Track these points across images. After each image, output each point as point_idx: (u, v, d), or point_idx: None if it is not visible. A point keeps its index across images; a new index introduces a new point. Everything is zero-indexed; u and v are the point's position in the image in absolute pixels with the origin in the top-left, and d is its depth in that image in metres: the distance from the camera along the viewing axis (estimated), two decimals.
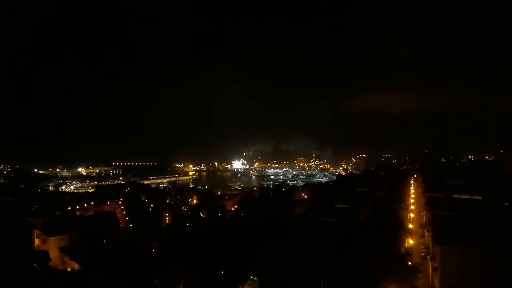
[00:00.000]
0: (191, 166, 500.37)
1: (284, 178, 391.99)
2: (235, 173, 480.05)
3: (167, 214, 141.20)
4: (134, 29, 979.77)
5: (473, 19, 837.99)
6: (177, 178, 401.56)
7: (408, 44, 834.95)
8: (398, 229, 73.04)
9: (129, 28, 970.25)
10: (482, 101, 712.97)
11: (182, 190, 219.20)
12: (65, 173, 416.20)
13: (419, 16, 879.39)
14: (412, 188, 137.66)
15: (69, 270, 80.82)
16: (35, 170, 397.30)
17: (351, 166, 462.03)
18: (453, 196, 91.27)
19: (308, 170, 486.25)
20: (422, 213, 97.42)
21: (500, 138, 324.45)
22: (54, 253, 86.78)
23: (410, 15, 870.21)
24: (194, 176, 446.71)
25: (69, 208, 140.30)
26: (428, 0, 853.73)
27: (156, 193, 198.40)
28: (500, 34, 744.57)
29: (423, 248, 76.00)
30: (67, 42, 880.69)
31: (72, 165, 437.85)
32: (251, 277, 68.99)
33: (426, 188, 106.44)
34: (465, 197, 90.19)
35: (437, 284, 55.62)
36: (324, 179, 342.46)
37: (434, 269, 58.80)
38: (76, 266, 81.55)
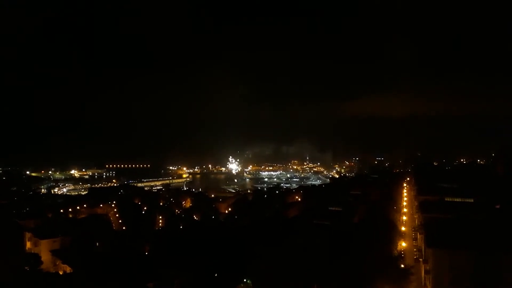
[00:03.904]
0: (184, 168, 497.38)
1: (278, 180, 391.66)
2: (229, 175, 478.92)
3: (160, 217, 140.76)
4: (128, 29, 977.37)
5: (468, 23, 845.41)
6: (171, 181, 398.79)
7: (403, 48, 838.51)
8: (391, 232, 73.41)
9: (123, 28, 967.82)
10: (474, 105, 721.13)
11: (175, 192, 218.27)
12: (57, 175, 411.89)
13: (409, 22, 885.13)
14: (405, 191, 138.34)
15: (61, 273, 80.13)
16: (27, 172, 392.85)
17: (344, 169, 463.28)
18: (446, 199, 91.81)
19: (302, 173, 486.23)
20: (415, 216, 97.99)
21: (491, 142, 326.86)
22: (46, 256, 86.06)
23: (407, 18, 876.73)
24: (188, 179, 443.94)
25: (61, 210, 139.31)
26: (426, 3, 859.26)
27: (150, 196, 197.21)
28: (497, 36, 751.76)
29: (415, 251, 76.58)
30: (60, 43, 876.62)
31: (64, 168, 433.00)
32: (245, 280, 69.05)
33: (419, 191, 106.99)
34: (457, 200, 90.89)
35: (429, 286, 56.10)
36: (318, 182, 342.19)
37: (426, 272, 59.31)
38: (68, 270, 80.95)
